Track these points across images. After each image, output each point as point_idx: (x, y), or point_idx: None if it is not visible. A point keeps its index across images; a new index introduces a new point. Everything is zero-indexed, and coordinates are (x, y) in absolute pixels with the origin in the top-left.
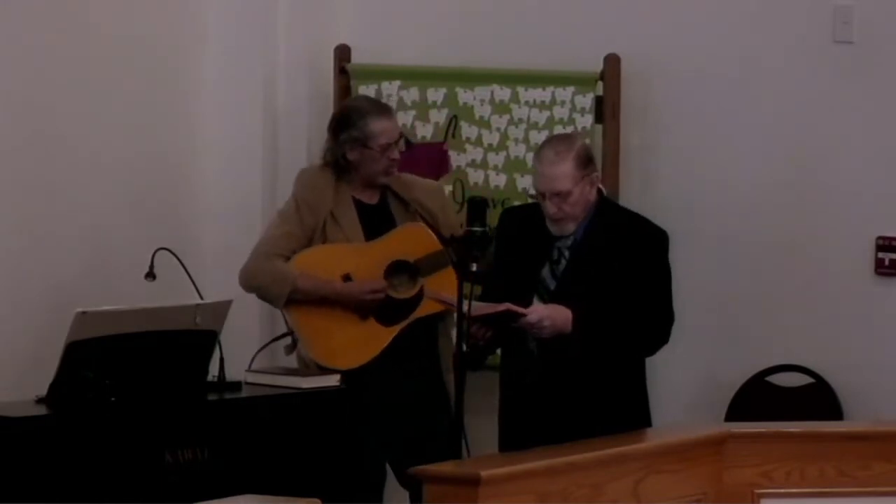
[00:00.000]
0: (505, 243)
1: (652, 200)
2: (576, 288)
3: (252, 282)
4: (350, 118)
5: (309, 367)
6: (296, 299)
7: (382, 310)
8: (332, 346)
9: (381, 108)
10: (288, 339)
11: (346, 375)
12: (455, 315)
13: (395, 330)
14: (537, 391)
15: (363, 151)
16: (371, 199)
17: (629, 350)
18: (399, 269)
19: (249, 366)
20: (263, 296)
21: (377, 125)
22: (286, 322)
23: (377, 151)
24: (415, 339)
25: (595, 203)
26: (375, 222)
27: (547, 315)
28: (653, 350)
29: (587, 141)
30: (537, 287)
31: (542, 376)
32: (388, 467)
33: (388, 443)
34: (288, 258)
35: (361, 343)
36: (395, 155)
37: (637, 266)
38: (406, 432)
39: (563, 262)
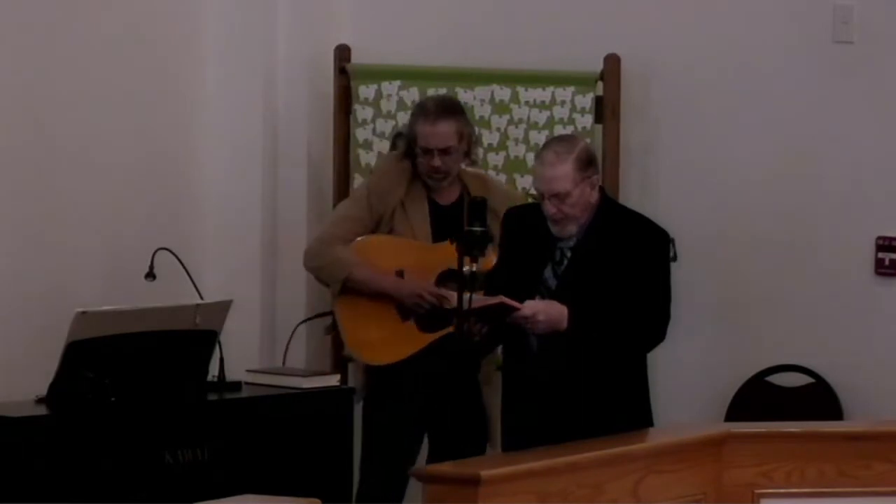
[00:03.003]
0: (508, 244)
1: (652, 200)
2: (576, 287)
3: (312, 262)
4: (412, 114)
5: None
6: (349, 287)
7: (424, 314)
8: (364, 338)
9: (433, 114)
10: (328, 319)
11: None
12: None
13: (431, 337)
14: (538, 391)
15: (413, 149)
16: (446, 199)
17: (624, 348)
18: (451, 278)
19: (289, 340)
20: (320, 277)
21: (420, 128)
22: (332, 304)
23: (420, 153)
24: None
25: (597, 204)
26: (445, 222)
27: (541, 309)
28: (648, 348)
29: (588, 141)
30: (539, 287)
31: (543, 376)
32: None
33: (426, 416)
34: (350, 241)
35: (394, 343)
36: (435, 162)
37: (637, 264)
38: (442, 408)
39: (566, 262)
